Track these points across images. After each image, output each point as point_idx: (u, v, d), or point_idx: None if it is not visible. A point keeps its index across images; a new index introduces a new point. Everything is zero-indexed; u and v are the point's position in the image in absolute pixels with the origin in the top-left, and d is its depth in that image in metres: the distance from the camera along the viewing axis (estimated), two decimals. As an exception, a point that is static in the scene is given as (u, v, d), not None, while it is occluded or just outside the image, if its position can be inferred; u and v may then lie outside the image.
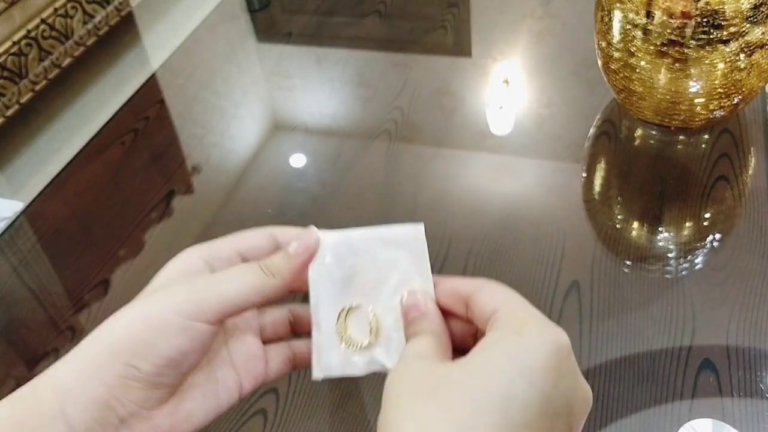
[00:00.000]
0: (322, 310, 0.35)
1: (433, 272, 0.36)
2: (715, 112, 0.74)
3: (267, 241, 0.35)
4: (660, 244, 0.70)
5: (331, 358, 0.35)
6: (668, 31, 0.68)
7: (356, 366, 0.35)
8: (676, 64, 0.70)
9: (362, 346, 0.34)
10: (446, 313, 0.34)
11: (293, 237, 0.35)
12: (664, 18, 0.68)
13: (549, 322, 0.29)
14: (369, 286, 0.35)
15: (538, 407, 0.26)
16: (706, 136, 0.80)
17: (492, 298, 0.31)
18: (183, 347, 0.29)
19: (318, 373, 0.35)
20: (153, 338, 0.29)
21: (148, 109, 1.00)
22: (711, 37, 0.67)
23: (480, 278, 0.33)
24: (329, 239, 0.35)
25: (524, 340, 0.27)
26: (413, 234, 0.36)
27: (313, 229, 0.35)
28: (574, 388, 0.28)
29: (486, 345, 0.28)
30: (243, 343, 0.35)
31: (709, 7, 0.66)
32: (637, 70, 0.73)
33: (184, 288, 0.31)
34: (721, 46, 0.68)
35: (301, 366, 0.37)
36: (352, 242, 0.35)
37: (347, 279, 0.35)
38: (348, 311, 0.35)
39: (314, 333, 0.35)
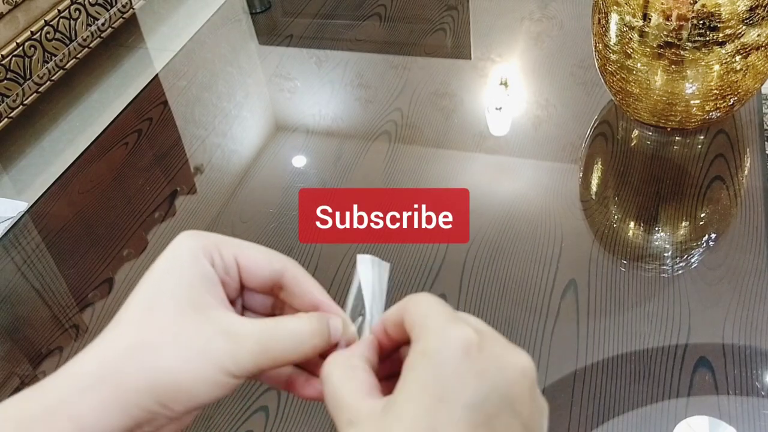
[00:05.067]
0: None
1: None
2: (710, 114, 0.75)
3: (270, 273, 0.33)
4: (656, 243, 0.71)
5: None
6: (664, 33, 0.69)
7: None
8: (673, 66, 0.71)
9: None
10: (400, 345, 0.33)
11: (311, 296, 0.33)
12: (661, 20, 0.69)
13: (451, 324, 0.28)
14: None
15: (466, 422, 0.25)
16: (702, 137, 0.81)
17: (411, 316, 0.30)
18: (218, 396, 0.30)
19: None
20: (194, 389, 0.29)
21: (151, 110, 1.01)
22: (707, 39, 0.68)
23: (408, 296, 0.32)
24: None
25: (428, 359, 0.27)
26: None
27: (353, 327, 0.34)
28: (501, 377, 0.27)
29: (402, 377, 0.28)
30: None
31: (705, 10, 0.66)
32: (634, 72, 0.74)
33: (228, 344, 0.30)
34: (717, 48, 0.68)
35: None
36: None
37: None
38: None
39: None
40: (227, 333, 0.30)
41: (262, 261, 0.33)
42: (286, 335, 0.31)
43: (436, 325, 0.28)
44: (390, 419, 0.26)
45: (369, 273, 0.35)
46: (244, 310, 0.35)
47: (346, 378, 0.30)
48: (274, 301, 0.35)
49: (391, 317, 0.32)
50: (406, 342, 0.32)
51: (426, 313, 0.29)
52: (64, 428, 0.27)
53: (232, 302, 0.33)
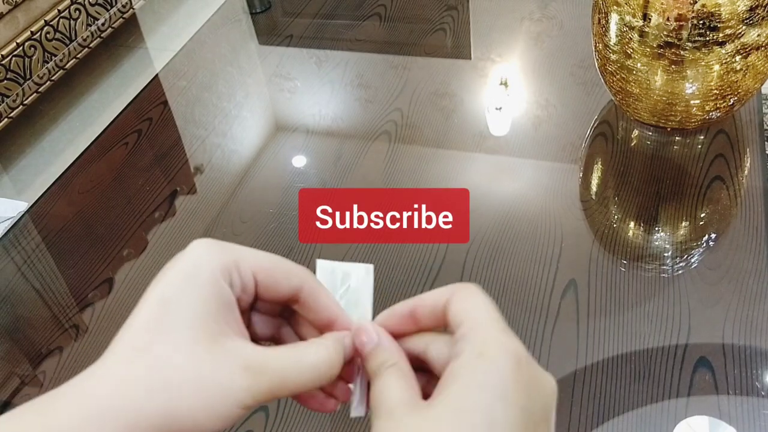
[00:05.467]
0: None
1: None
2: (710, 114, 0.75)
3: (287, 290, 0.33)
4: (656, 243, 0.71)
5: None
6: (664, 33, 0.69)
7: None
8: (673, 66, 0.71)
9: None
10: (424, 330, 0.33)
11: (327, 311, 0.33)
12: (661, 20, 0.69)
13: (505, 335, 0.29)
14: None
15: (521, 423, 0.27)
16: (702, 137, 0.81)
17: (460, 308, 0.31)
18: (229, 425, 0.29)
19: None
20: (209, 424, 0.28)
21: (151, 110, 1.01)
22: (707, 39, 0.68)
23: (455, 284, 0.32)
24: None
25: (488, 362, 0.28)
26: (364, 270, 0.35)
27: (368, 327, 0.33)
28: (543, 388, 0.29)
29: (455, 376, 0.28)
30: None
31: (705, 10, 0.66)
32: (634, 72, 0.74)
33: (248, 381, 0.29)
34: (717, 48, 0.68)
35: None
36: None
37: None
38: None
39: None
40: (247, 368, 0.29)
41: (281, 277, 0.32)
42: (305, 368, 0.30)
43: (494, 331, 0.29)
44: (441, 411, 0.27)
45: (330, 280, 0.34)
46: (253, 312, 0.34)
47: (400, 379, 0.30)
48: (283, 308, 0.35)
49: (429, 302, 0.32)
50: (431, 328, 0.32)
51: (479, 314, 0.30)
52: None
53: (242, 312, 0.32)
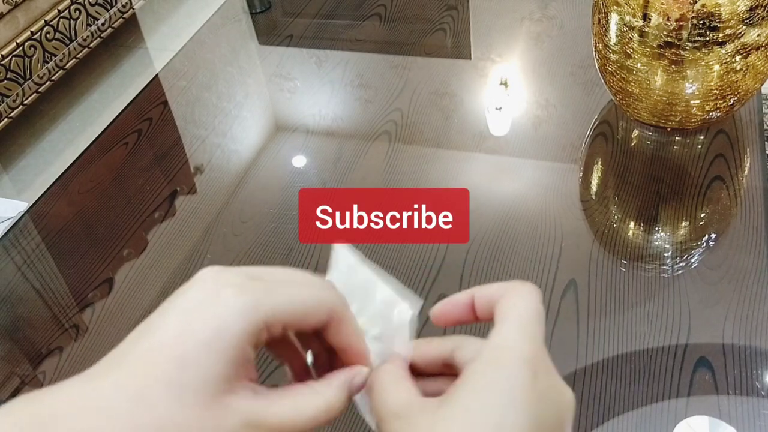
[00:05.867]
0: None
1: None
2: (710, 114, 0.75)
3: (312, 329, 0.33)
4: (656, 243, 0.71)
5: None
6: (664, 33, 0.69)
7: None
8: (673, 66, 0.71)
9: None
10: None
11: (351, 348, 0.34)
12: (661, 20, 0.69)
13: (528, 344, 0.30)
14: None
15: (528, 430, 0.27)
16: (702, 137, 0.81)
17: (501, 309, 0.31)
18: None
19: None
20: None
21: (151, 110, 1.01)
22: (707, 39, 0.68)
23: (513, 282, 0.32)
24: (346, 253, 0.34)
25: (501, 368, 0.29)
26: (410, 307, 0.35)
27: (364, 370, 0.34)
28: (559, 400, 0.29)
29: (469, 377, 0.29)
30: None
31: (705, 10, 0.66)
32: (634, 72, 0.74)
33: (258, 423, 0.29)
34: (717, 48, 0.68)
35: None
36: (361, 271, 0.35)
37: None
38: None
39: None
40: (248, 425, 0.29)
41: (311, 320, 0.32)
42: (303, 419, 0.31)
43: (517, 339, 0.30)
44: (451, 411, 0.28)
45: (346, 266, 0.35)
46: None
47: (395, 383, 0.31)
48: None
49: (486, 296, 0.33)
50: (486, 321, 0.33)
51: (512, 320, 0.31)
52: None
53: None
